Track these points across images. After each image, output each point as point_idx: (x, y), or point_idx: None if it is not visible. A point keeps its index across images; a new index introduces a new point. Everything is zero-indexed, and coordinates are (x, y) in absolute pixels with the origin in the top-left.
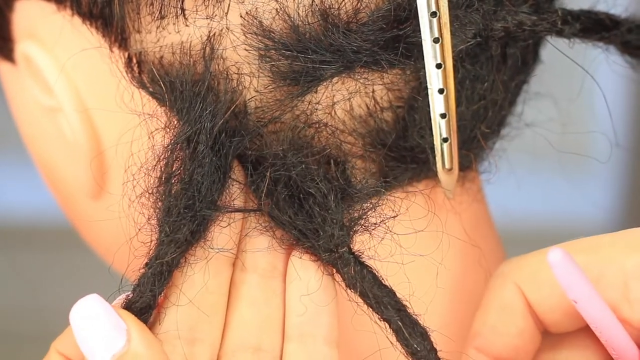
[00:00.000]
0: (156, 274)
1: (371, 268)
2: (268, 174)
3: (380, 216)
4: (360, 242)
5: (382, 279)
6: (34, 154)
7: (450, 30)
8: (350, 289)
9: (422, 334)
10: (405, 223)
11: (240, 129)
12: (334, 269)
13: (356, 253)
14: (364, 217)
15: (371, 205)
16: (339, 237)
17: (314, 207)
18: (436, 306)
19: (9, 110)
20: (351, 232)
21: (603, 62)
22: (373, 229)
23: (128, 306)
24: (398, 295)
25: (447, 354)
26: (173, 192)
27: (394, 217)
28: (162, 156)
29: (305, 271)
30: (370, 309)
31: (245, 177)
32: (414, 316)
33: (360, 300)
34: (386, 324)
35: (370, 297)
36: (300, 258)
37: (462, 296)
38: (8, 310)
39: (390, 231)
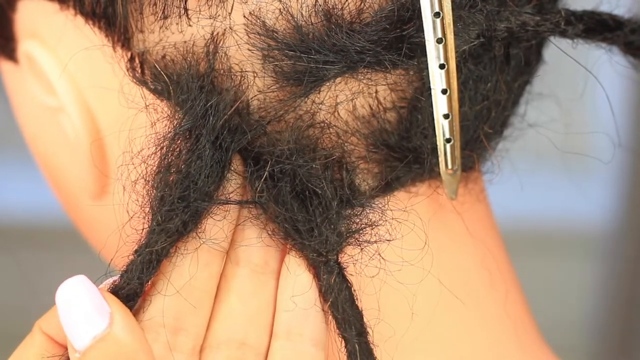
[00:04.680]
0: (145, 262)
1: (351, 284)
2: (267, 168)
3: (376, 236)
4: (350, 255)
5: (357, 298)
6: (36, 153)
7: (454, 31)
8: (322, 297)
9: None
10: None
11: (243, 124)
12: (314, 273)
13: (342, 264)
14: (361, 231)
15: (370, 223)
16: (332, 243)
17: (317, 207)
18: (438, 309)
19: (10, 110)
20: (345, 242)
21: (606, 62)
22: (365, 246)
23: (115, 292)
24: (365, 320)
25: None
26: (169, 181)
27: (389, 240)
28: (162, 146)
29: (299, 270)
30: (334, 323)
31: (245, 171)
32: (371, 345)
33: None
34: (342, 342)
35: (339, 312)
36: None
37: (464, 299)
38: (8, 310)
39: (380, 255)
